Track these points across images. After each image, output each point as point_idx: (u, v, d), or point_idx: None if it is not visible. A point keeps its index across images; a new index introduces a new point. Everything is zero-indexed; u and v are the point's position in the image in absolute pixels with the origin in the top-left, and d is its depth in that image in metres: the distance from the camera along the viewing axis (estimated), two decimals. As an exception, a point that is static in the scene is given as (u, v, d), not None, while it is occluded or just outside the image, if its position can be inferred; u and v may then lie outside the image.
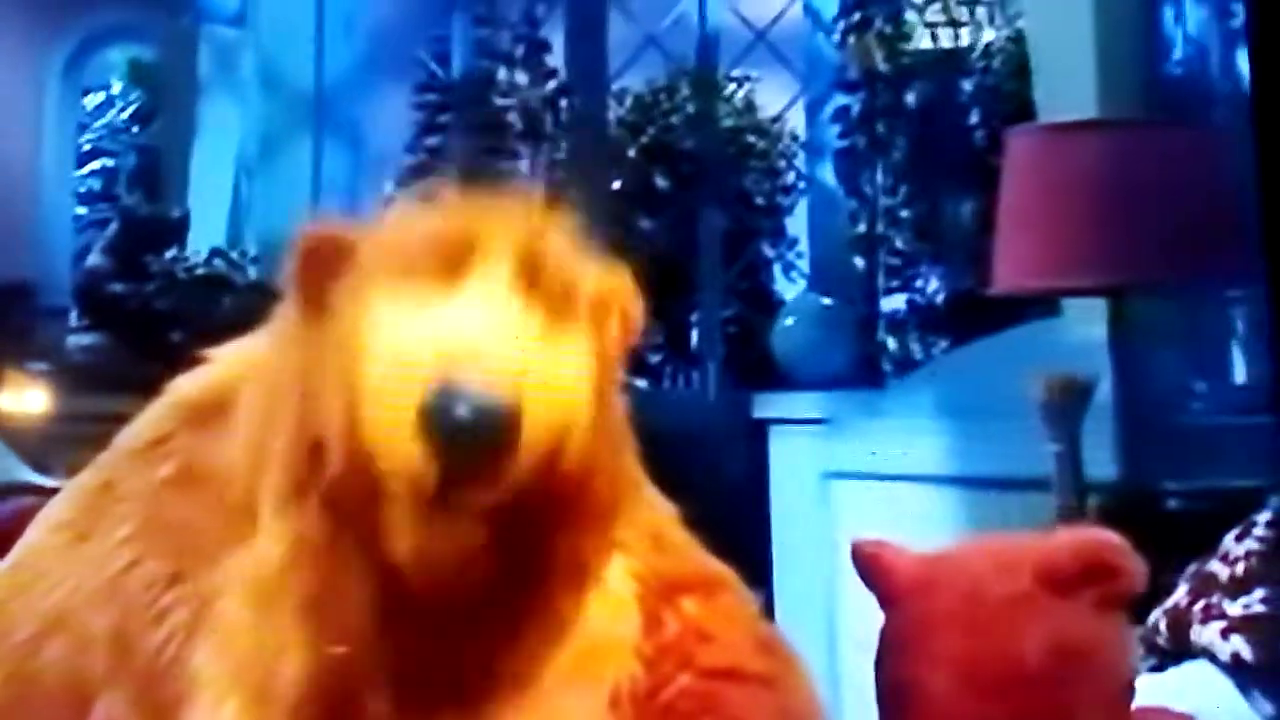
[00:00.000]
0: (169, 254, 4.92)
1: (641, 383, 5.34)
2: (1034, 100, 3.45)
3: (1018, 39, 4.71)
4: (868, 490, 3.48)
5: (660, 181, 5.73)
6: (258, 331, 1.25)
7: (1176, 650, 1.82)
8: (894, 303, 5.23)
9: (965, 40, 5.13)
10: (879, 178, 5.20)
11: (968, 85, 5.12)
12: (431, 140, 5.67)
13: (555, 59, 5.60)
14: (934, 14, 5.14)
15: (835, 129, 5.32)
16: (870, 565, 1.35)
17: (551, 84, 5.56)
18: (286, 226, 1.19)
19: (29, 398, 4.48)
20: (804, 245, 5.69)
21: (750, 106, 5.96)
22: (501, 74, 5.60)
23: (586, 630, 1.17)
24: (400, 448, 1.03)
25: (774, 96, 5.86)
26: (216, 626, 1.17)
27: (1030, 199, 2.56)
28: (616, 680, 1.18)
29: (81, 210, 6.17)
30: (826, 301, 4.69)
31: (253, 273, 4.92)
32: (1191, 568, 1.91)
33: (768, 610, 1.32)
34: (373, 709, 1.12)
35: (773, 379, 4.42)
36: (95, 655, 1.24)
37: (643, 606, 1.21)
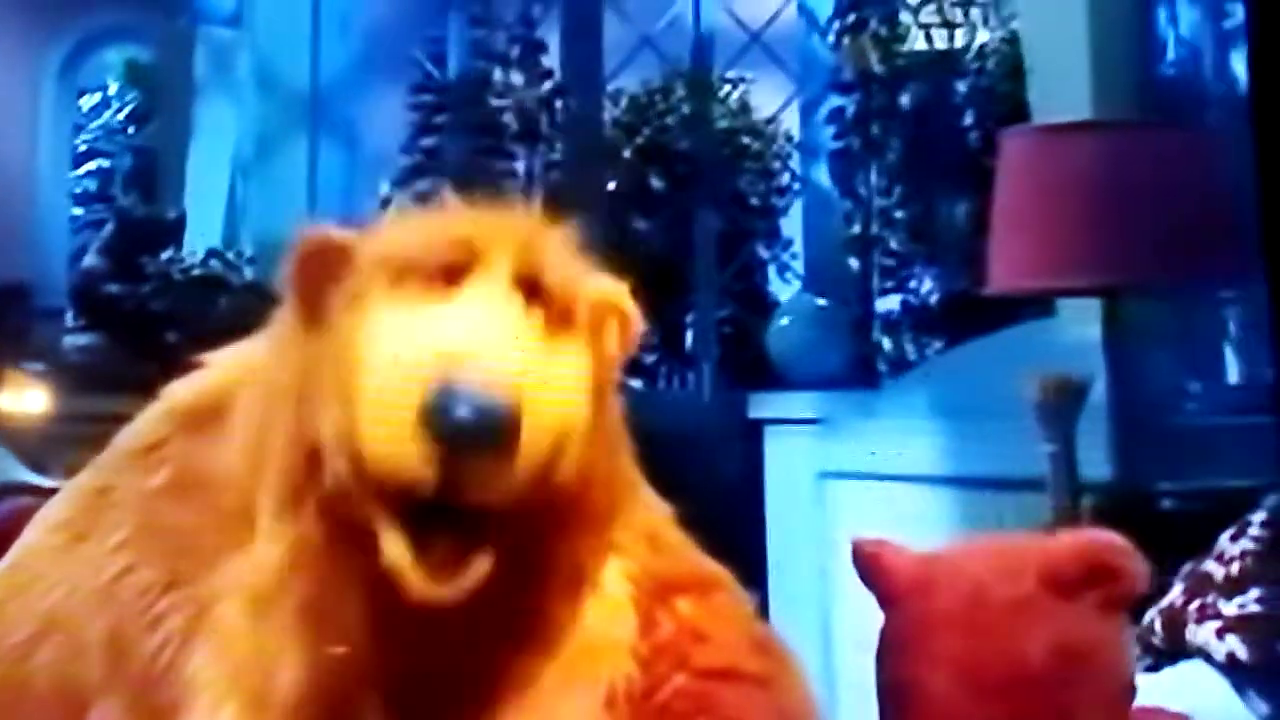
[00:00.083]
0: (165, 254, 4.90)
1: (637, 383, 5.34)
2: (1028, 101, 3.45)
3: (1012, 40, 4.72)
4: (863, 490, 3.48)
5: (655, 182, 5.74)
6: (254, 335, 1.25)
7: (1172, 650, 1.83)
8: (889, 303, 5.24)
9: (960, 42, 5.13)
10: (874, 179, 5.21)
11: (962, 86, 5.13)
12: (427, 141, 5.67)
13: (551, 60, 5.60)
14: (928, 15, 5.14)
15: (830, 130, 5.33)
16: (870, 565, 1.35)
17: (547, 85, 5.56)
18: (282, 227, 1.18)
19: (25, 398, 4.47)
20: (799, 246, 5.70)
21: (745, 108, 5.97)
22: (497, 75, 5.60)
23: (582, 631, 1.17)
24: (400, 449, 1.03)
25: (769, 98, 5.87)
26: (214, 631, 1.17)
27: (1025, 200, 2.56)
28: (612, 681, 1.18)
29: (77, 211, 6.15)
30: (821, 302, 4.68)
31: (248, 273, 4.90)
32: (1186, 568, 1.91)
33: (763, 610, 1.31)
34: (370, 713, 1.13)
35: (768, 379, 4.41)
36: (90, 661, 1.24)
37: (638, 607, 1.21)
